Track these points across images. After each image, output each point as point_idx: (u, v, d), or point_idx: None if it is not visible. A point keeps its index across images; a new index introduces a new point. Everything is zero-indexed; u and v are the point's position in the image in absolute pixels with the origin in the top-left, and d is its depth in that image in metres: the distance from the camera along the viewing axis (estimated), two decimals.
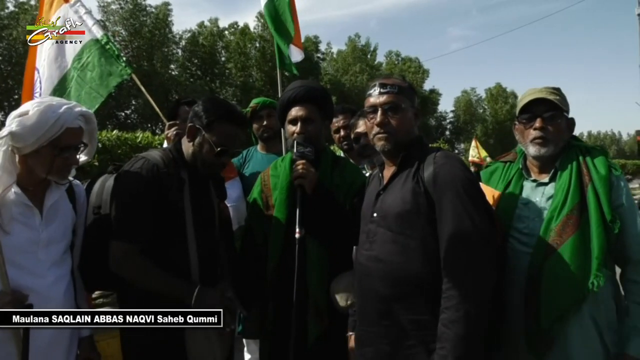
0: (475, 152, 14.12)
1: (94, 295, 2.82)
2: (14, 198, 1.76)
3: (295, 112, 2.25)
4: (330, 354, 2.10)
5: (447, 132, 47.66)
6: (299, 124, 2.23)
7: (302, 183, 2.11)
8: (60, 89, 3.39)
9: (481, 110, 50.81)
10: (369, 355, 1.78)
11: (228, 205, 2.52)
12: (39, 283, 1.77)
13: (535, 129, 1.91)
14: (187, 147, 2.07)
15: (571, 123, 1.98)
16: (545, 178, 1.96)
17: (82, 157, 1.97)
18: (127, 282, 1.93)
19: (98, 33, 3.44)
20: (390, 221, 1.74)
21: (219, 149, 1.99)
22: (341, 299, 2.05)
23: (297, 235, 2.03)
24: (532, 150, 1.94)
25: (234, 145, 2.08)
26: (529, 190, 1.99)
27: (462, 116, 48.53)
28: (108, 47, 3.39)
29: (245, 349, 3.34)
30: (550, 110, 1.90)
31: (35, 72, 3.50)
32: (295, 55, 4.06)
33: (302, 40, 4.29)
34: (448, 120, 49.60)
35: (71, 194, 1.99)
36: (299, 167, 2.12)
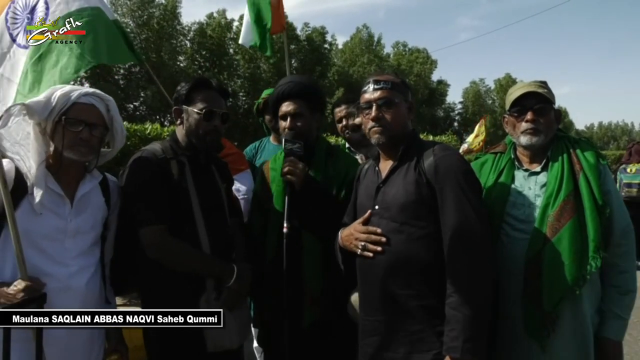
0: (477, 138, 12.96)
1: None
2: (46, 186, 1.82)
3: (285, 107, 2.32)
4: (326, 339, 2.18)
5: (456, 124, 47.25)
6: (288, 120, 2.30)
7: (290, 180, 2.17)
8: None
9: (490, 102, 50.17)
10: (375, 345, 1.82)
11: (239, 197, 2.55)
12: (61, 271, 1.82)
13: (527, 121, 2.02)
14: (179, 131, 2.14)
15: (558, 114, 2.08)
16: (537, 167, 2.05)
17: (108, 149, 2.06)
18: (150, 273, 1.96)
19: (110, 15, 3.34)
20: (394, 212, 1.81)
21: (204, 110, 2.05)
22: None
23: (284, 230, 2.10)
24: (523, 140, 2.04)
25: (218, 106, 2.11)
26: (521, 179, 2.07)
27: (471, 107, 47.96)
28: (118, 27, 3.32)
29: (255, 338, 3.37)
30: (540, 103, 2.01)
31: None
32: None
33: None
34: (456, 112, 49.09)
35: (106, 189, 2.05)
36: (286, 164, 2.19)
